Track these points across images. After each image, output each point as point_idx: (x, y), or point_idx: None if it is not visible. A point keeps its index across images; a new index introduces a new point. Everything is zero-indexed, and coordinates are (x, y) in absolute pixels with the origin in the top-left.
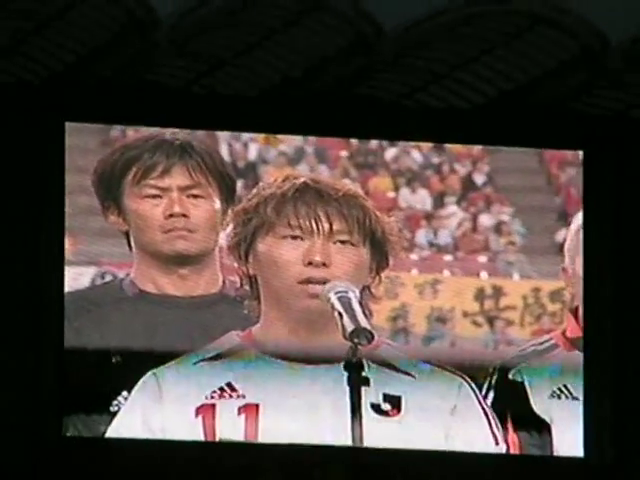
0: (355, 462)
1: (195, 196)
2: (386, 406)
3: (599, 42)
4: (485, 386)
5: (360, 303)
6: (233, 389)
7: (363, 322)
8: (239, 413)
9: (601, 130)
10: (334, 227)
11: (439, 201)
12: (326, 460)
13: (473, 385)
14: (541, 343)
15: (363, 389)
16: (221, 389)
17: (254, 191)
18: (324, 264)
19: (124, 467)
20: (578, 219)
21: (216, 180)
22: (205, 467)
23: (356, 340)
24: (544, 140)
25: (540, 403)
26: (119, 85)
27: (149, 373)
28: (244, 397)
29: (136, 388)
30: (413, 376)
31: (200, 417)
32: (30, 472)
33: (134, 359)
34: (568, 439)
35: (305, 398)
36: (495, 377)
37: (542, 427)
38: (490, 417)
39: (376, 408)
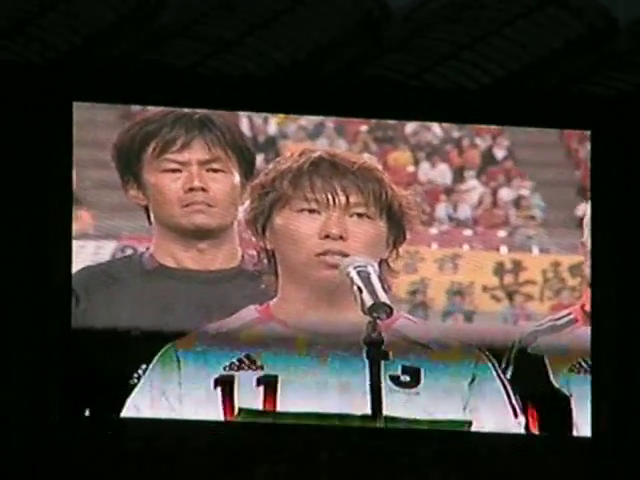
0: (364, 443)
1: (215, 170)
2: (405, 378)
3: (607, 23)
4: (504, 360)
5: (379, 278)
6: (252, 361)
7: (382, 297)
8: (258, 384)
9: (609, 110)
10: (350, 200)
11: (459, 175)
12: (333, 442)
13: (491, 357)
14: (560, 318)
15: (382, 362)
16: (240, 360)
17: (271, 165)
18: (341, 237)
19: (138, 447)
20: None
21: (235, 154)
22: (213, 447)
23: (375, 315)
24: (551, 120)
25: (559, 377)
26: (126, 66)
27: (167, 345)
28: (262, 369)
29: (154, 360)
30: (431, 348)
31: (219, 388)
32: (39, 452)
33: (153, 332)
34: (587, 412)
35: (323, 371)
36: (514, 351)
37: (561, 401)
38: (509, 389)
39: (395, 380)
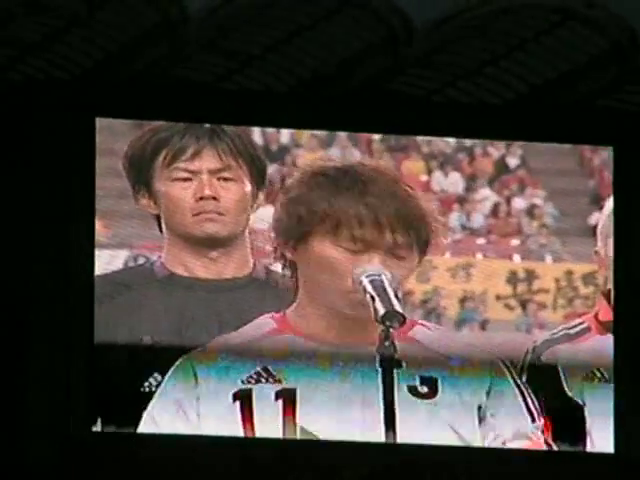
0: (384, 460)
1: (225, 179)
2: (423, 389)
3: (629, 38)
4: (517, 369)
5: (392, 286)
6: (269, 373)
7: (395, 305)
8: (276, 398)
9: (631, 126)
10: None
11: (472, 184)
12: (355, 459)
13: (507, 363)
14: (573, 327)
15: (395, 372)
16: (257, 373)
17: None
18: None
19: (155, 464)
20: (611, 202)
21: (246, 163)
22: (235, 464)
23: (388, 323)
24: (573, 136)
25: (573, 386)
26: (149, 81)
27: (183, 358)
28: (280, 382)
29: (170, 373)
30: (448, 356)
31: (237, 402)
32: (60, 468)
33: (164, 341)
34: (600, 422)
35: (339, 383)
36: (527, 360)
37: (575, 410)
38: (526, 394)
39: (413, 391)
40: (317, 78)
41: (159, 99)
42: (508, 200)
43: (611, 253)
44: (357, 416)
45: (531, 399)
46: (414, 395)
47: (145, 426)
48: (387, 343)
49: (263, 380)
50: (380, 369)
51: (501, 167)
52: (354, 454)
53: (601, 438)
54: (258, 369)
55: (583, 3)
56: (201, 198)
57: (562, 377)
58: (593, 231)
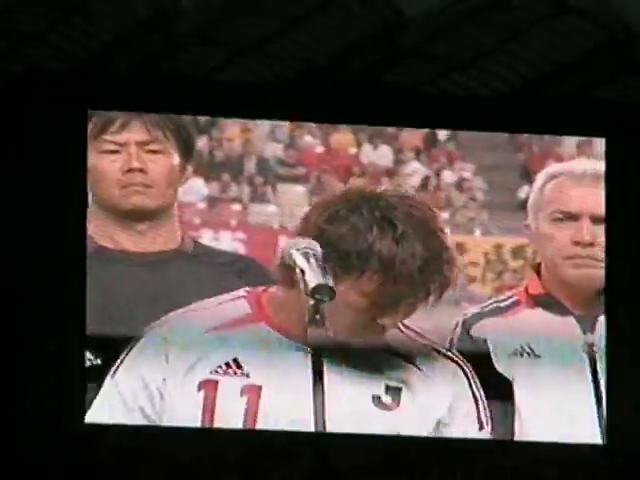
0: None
1: (153, 151)
2: (387, 399)
3: (623, 30)
4: (447, 343)
5: (322, 260)
6: (239, 366)
7: (326, 278)
8: (241, 394)
9: (624, 118)
10: None
11: (401, 157)
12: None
13: (467, 370)
14: (503, 300)
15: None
16: (227, 364)
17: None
18: None
19: (150, 455)
20: (542, 176)
21: (174, 135)
22: (211, 457)
23: (318, 297)
24: (566, 128)
25: (502, 361)
26: (142, 74)
27: (154, 329)
28: (248, 376)
29: (140, 344)
30: (417, 366)
31: (202, 392)
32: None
33: (94, 317)
34: (529, 397)
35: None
36: (457, 334)
37: (504, 385)
38: (480, 403)
39: (377, 401)
40: (310, 70)
41: (151, 91)
42: (437, 173)
43: (541, 227)
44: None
45: (484, 406)
46: (377, 405)
47: (106, 396)
48: (317, 316)
49: (231, 372)
50: (310, 354)
51: (430, 140)
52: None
53: (530, 413)
54: (228, 360)
55: None
56: (128, 170)
57: (491, 351)
58: (522, 205)
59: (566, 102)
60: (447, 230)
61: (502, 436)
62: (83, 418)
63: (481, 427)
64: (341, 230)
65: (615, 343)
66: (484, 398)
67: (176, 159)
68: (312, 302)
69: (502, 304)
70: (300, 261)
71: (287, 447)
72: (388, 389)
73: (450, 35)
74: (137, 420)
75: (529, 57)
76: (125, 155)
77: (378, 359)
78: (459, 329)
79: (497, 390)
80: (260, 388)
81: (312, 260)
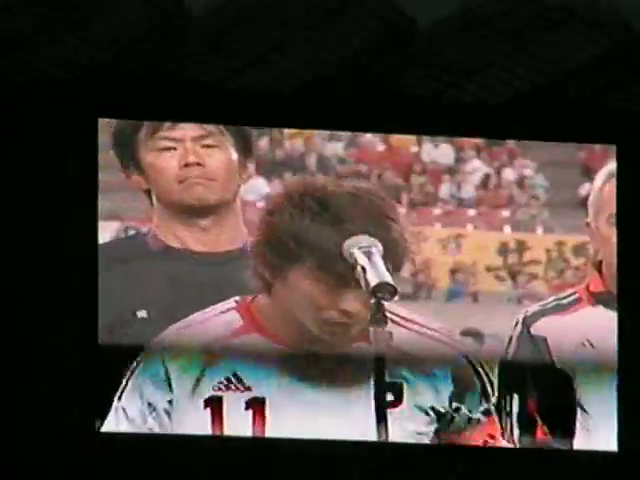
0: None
1: (209, 146)
2: (389, 396)
3: (631, 37)
4: (506, 341)
5: (383, 258)
6: (239, 380)
7: (386, 277)
8: (246, 408)
9: (635, 125)
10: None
11: (462, 155)
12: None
13: (474, 362)
14: (565, 297)
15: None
16: (228, 379)
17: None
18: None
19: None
20: (601, 175)
21: (229, 131)
22: (228, 466)
23: (379, 295)
24: (577, 135)
25: (562, 357)
26: (152, 82)
27: (149, 353)
28: (250, 390)
29: (139, 369)
30: (419, 362)
31: (208, 410)
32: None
33: (160, 315)
34: (591, 390)
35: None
36: (517, 331)
37: (564, 381)
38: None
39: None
40: (319, 79)
41: (161, 100)
42: (498, 171)
43: (601, 225)
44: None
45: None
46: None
47: (113, 419)
48: (378, 315)
49: (233, 387)
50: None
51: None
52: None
53: (594, 408)
54: (229, 375)
55: (586, 2)
56: (186, 165)
57: (551, 348)
58: (583, 202)
59: (576, 109)
60: (400, 216)
61: (562, 437)
62: (94, 425)
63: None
64: (281, 219)
65: (627, 345)
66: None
67: (234, 154)
68: (373, 301)
69: (563, 301)
70: (361, 259)
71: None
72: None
73: (459, 43)
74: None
75: (538, 64)
76: (181, 150)
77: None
78: (519, 327)
79: (558, 388)
80: (264, 400)
81: (373, 258)
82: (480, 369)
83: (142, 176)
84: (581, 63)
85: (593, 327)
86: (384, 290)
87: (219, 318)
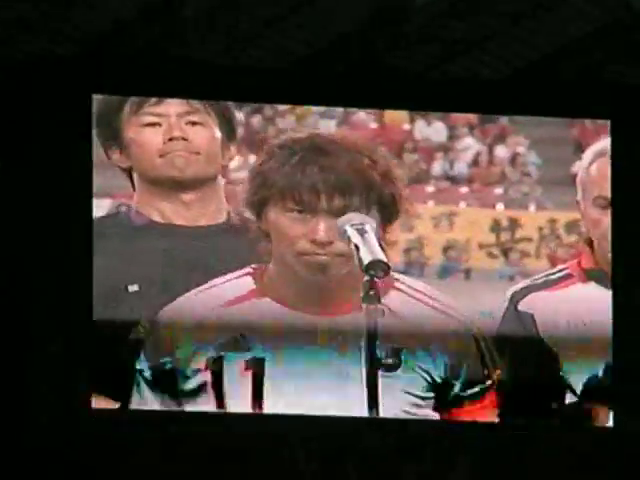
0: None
1: (194, 123)
2: (387, 360)
3: (627, 12)
4: (498, 317)
5: (376, 236)
6: (245, 340)
7: (379, 254)
8: (246, 368)
9: (629, 99)
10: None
11: (454, 132)
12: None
13: (478, 336)
14: (555, 272)
15: (380, 322)
16: (235, 339)
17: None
18: (329, 242)
19: (157, 441)
20: (589, 154)
21: (213, 109)
22: (231, 440)
23: (372, 272)
24: (572, 110)
25: (550, 333)
26: (145, 58)
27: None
28: (250, 350)
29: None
30: (418, 330)
31: (209, 371)
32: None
33: (151, 288)
34: (576, 366)
35: (316, 354)
36: (504, 307)
37: (550, 357)
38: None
39: (378, 362)
40: (314, 54)
41: (156, 76)
42: (490, 149)
43: (589, 208)
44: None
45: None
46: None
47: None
48: (371, 292)
49: (236, 348)
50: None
51: (484, 116)
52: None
53: (576, 382)
54: (236, 335)
55: None
56: (170, 139)
57: (538, 324)
58: (574, 179)
59: (570, 84)
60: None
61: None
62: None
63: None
64: (272, 165)
65: (622, 319)
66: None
67: (217, 133)
68: (367, 278)
69: (553, 277)
70: (354, 237)
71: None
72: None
73: (454, 19)
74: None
75: (533, 40)
76: (166, 126)
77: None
78: (507, 303)
79: (543, 360)
80: (263, 360)
81: (366, 236)
82: (482, 343)
83: (123, 153)
84: (576, 39)
85: (584, 303)
86: (377, 267)
87: (232, 282)
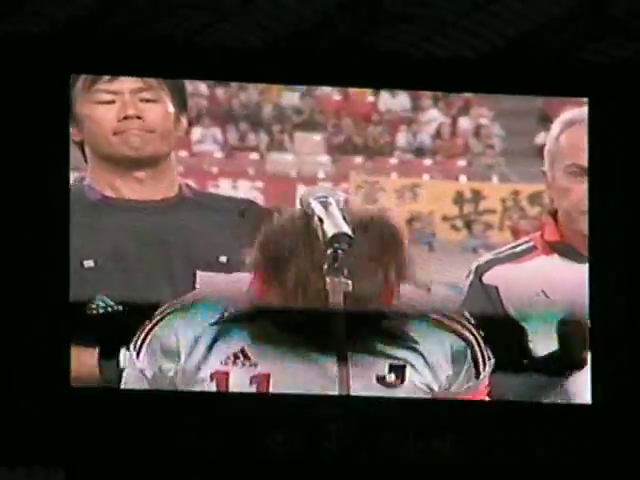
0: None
1: (147, 100)
2: (391, 377)
3: None
4: (461, 290)
5: (340, 209)
6: (246, 356)
7: (344, 227)
8: (251, 383)
9: (607, 78)
10: None
11: (419, 104)
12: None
13: (472, 341)
14: (518, 245)
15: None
16: (235, 355)
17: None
18: None
19: (133, 419)
20: (558, 124)
21: (167, 83)
22: (218, 419)
23: (337, 245)
24: (549, 89)
25: (515, 307)
26: (123, 37)
27: (165, 313)
28: (256, 366)
29: (157, 329)
30: (416, 341)
31: (214, 382)
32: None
33: (106, 264)
34: (542, 339)
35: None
36: (469, 280)
37: (516, 330)
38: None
39: (381, 380)
40: (293, 33)
41: (134, 55)
42: (454, 120)
43: (557, 175)
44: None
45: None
46: (382, 385)
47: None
48: (336, 265)
49: (239, 363)
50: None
51: None
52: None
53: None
54: (236, 351)
55: None
56: (125, 118)
57: (503, 298)
58: (540, 151)
59: (548, 63)
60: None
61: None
62: (68, 381)
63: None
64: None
65: (600, 298)
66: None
67: (170, 107)
68: (330, 251)
69: (517, 249)
70: (318, 210)
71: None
72: (392, 368)
73: None
74: None
75: (511, 18)
76: (120, 104)
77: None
78: (471, 276)
79: (509, 333)
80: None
81: (330, 208)
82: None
83: (76, 128)
84: (553, 17)
85: (547, 277)
86: (341, 240)
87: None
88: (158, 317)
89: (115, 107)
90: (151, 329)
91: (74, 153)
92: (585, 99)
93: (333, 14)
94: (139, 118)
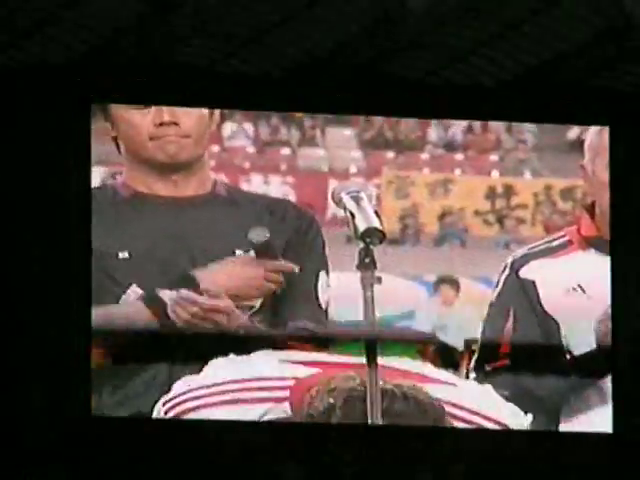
0: None
1: None
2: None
3: (624, 18)
4: (494, 284)
5: (372, 204)
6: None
7: (375, 222)
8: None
9: (628, 106)
10: None
11: None
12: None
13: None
14: (554, 239)
15: (375, 287)
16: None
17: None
18: None
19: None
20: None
21: None
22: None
23: (368, 240)
24: (570, 116)
25: (551, 301)
26: (144, 66)
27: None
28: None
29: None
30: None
31: None
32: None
33: (141, 256)
34: (579, 335)
35: None
36: (505, 274)
37: (550, 324)
38: None
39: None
40: (311, 61)
41: (155, 83)
42: None
43: (597, 170)
44: None
45: None
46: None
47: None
48: (367, 260)
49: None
50: (360, 287)
51: None
52: None
53: (579, 350)
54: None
55: None
56: (161, 124)
57: (540, 292)
58: (572, 146)
59: (568, 90)
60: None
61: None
62: (89, 410)
63: None
64: None
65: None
66: None
67: (204, 109)
68: (362, 246)
69: (553, 244)
70: (350, 205)
71: None
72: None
73: (451, 25)
74: None
75: (531, 46)
76: (155, 109)
77: None
78: (507, 270)
79: (545, 332)
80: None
81: (362, 203)
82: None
83: (111, 124)
84: (573, 44)
85: (584, 271)
86: (373, 235)
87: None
88: None
89: (151, 112)
90: None
91: (107, 147)
92: (606, 127)
93: (352, 42)
94: (175, 124)
